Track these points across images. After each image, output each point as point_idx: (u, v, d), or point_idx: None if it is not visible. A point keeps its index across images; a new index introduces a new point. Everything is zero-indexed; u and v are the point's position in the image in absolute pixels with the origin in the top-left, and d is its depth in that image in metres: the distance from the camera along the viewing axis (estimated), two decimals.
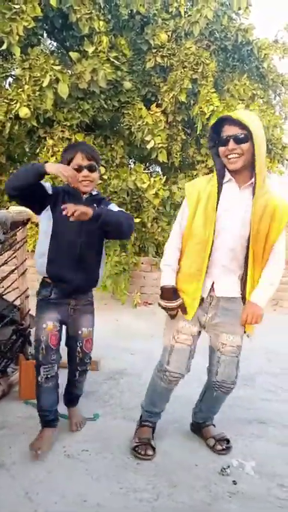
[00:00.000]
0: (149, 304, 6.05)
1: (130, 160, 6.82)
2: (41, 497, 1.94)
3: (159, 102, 5.73)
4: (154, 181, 5.37)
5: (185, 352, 2.24)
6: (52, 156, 5.14)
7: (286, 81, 6.35)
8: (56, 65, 4.70)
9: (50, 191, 2.16)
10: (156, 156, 5.51)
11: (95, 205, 2.17)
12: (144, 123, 5.34)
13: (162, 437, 2.49)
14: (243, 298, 2.19)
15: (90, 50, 4.85)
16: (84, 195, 2.24)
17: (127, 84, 5.41)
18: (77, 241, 2.17)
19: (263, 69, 6.21)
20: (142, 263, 6.17)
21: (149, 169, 7.11)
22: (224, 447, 2.40)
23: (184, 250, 2.23)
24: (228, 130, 2.05)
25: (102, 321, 5.66)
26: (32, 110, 4.76)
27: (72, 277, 2.20)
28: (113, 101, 5.48)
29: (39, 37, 5.85)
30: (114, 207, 2.26)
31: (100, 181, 5.36)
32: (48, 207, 2.18)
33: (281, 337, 4.95)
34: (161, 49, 5.56)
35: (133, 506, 1.89)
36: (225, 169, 2.14)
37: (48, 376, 2.25)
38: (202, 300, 2.19)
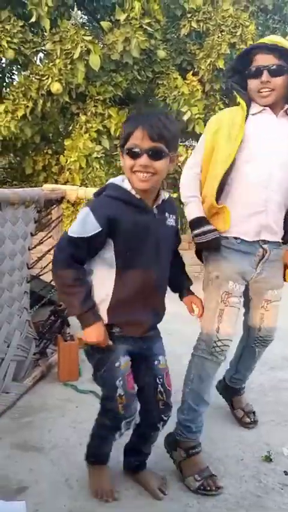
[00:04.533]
0: None
1: None
2: (81, 484, 1.86)
3: (195, 70, 5.45)
4: (191, 154, 5.15)
5: (235, 316, 1.95)
6: (85, 132, 5.00)
7: None
8: (87, 36, 4.53)
9: (99, 228, 1.47)
10: (193, 128, 5.27)
11: (166, 214, 1.64)
12: (179, 94, 5.11)
13: (205, 424, 2.37)
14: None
15: (122, 17, 4.66)
16: (154, 206, 1.58)
17: (161, 53, 5.17)
18: (153, 271, 1.60)
19: None
20: None
21: (185, 143, 6.85)
22: (253, 420, 2.32)
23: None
24: (262, 60, 1.82)
25: None
26: (64, 84, 4.64)
27: (144, 319, 1.64)
28: (147, 72, 5.26)
29: (69, 9, 5.67)
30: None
31: None
32: (109, 241, 1.53)
33: None
34: (196, 13, 5.24)
35: (177, 497, 1.79)
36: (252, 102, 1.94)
37: (128, 428, 1.71)
38: (251, 253, 1.92)
